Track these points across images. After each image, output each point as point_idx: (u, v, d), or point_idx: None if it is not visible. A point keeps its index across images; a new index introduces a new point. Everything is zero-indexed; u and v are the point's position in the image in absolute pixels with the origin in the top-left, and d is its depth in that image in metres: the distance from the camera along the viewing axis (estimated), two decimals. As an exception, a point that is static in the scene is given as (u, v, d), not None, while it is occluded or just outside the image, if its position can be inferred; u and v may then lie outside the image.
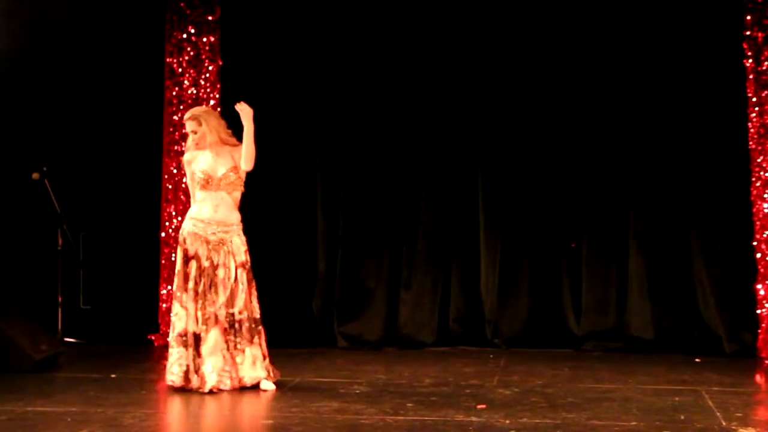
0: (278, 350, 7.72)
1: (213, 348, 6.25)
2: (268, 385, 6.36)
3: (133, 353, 8.07)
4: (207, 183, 6.40)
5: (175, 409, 6.00)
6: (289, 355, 7.83)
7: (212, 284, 6.31)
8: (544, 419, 5.51)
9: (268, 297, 8.35)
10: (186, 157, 6.56)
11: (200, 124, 6.44)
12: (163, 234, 8.53)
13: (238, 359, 6.31)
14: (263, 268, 8.30)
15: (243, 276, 6.35)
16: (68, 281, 8.63)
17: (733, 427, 5.35)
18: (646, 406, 5.91)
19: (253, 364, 6.33)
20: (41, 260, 8.70)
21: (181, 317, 6.32)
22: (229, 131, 6.52)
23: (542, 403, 5.98)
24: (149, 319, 8.55)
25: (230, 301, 6.30)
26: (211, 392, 6.19)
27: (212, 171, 6.40)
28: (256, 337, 6.35)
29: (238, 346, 6.30)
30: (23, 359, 7.11)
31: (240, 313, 6.30)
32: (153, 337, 8.45)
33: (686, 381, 6.83)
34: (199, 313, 6.29)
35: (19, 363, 7.08)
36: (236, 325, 6.30)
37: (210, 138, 6.43)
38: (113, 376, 6.99)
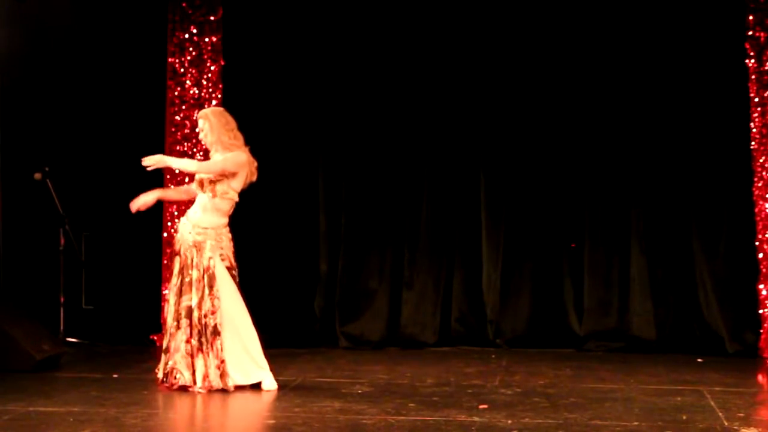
0: (280, 350, 7.76)
1: (179, 345, 6.32)
2: (270, 385, 6.38)
3: (135, 353, 8.07)
4: (198, 185, 6.48)
5: (176, 409, 6.00)
6: (291, 355, 7.85)
7: (189, 283, 6.36)
8: (546, 419, 5.51)
9: (270, 297, 8.43)
10: None
11: (205, 123, 6.50)
12: (165, 234, 8.52)
13: (207, 362, 6.30)
14: (266, 268, 8.37)
15: (205, 281, 6.34)
16: (70, 281, 8.62)
17: (735, 428, 5.35)
18: (648, 406, 5.91)
19: (217, 368, 6.32)
20: (43, 260, 8.70)
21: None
22: (238, 135, 6.50)
23: (544, 404, 5.98)
24: (151, 319, 8.55)
25: (200, 304, 6.32)
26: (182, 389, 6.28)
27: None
28: (210, 344, 6.31)
29: (204, 348, 6.31)
30: (25, 359, 7.11)
31: (205, 316, 6.31)
32: (155, 337, 8.44)
33: (688, 381, 6.83)
34: (173, 309, 6.39)
35: (20, 363, 7.08)
36: (203, 328, 6.31)
37: (210, 138, 6.49)
38: (115, 376, 6.99)
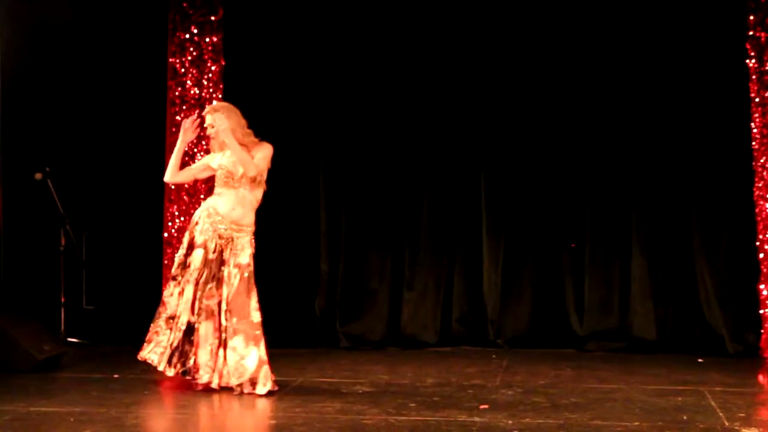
0: (281, 350, 7.73)
1: (203, 341, 6.29)
2: (260, 390, 6.27)
3: (136, 353, 8.05)
4: (228, 180, 6.40)
5: (177, 408, 6.00)
6: (292, 355, 7.85)
7: (215, 278, 6.30)
8: (547, 419, 5.52)
9: (270, 297, 8.37)
10: (206, 158, 6.70)
11: (215, 120, 6.44)
12: (165, 234, 8.52)
13: (227, 358, 6.27)
14: (266, 268, 8.33)
15: (237, 277, 6.30)
16: (71, 281, 8.63)
17: (736, 428, 5.36)
18: (648, 407, 5.91)
19: (241, 367, 6.25)
20: (44, 260, 8.70)
21: (174, 300, 6.37)
22: (249, 131, 6.47)
23: (545, 404, 5.98)
24: (152, 320, 8.53)
25: (228, 299, 6.27)
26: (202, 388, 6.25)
27: (233, 168, 6.40)
28: (252, 342, 6.25)
29: (229, 343, 6.26)
30: (26, 359, 7.12)
31: (232, 313, 6.26)
32: (156, 337, 8.44)
33: (689, 381, 6.83)
34: (197, 304, 6.30)
35: (21, 363, 7.09)
36: (229, 324, 6.26)
37: (222, 135, 6.39)
38: (116, 376, 7.00)
